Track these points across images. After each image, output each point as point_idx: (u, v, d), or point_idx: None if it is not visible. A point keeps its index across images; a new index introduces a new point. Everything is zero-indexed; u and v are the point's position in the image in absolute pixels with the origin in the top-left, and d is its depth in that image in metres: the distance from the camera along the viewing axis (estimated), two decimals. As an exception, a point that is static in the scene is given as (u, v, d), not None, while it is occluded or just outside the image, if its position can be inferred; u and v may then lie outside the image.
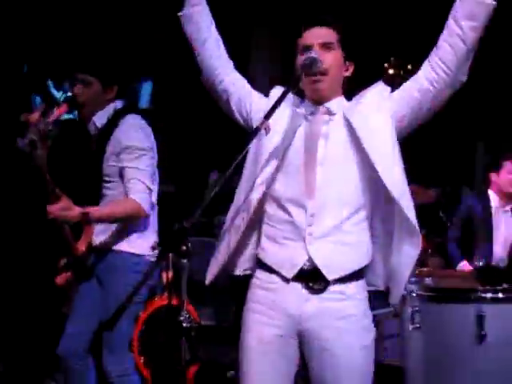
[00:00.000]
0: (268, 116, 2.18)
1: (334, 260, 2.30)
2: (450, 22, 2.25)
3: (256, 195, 2.33)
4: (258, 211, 2.38)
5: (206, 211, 2.09)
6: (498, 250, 4.60)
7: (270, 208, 2.37)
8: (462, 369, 3.15)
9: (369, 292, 2.40)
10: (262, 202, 2.37)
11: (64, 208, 2.94)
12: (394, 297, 2.40)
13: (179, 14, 2.46)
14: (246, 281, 2.46)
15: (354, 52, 2.44)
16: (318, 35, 2.36)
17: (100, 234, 3.22)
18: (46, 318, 4.44)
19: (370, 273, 2.40)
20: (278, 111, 2.22)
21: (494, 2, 2.21)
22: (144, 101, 7.72)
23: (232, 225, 2.39)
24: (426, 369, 3.26)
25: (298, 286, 2.31)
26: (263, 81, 6.37)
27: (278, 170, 2.34)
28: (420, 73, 2.33)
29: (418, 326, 3.25)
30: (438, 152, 7.32)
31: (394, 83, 2.44)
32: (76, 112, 3.30)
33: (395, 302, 2.42)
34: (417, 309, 3.25)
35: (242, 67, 2.52)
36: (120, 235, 3.20)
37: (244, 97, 2.47)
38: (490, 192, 4.71)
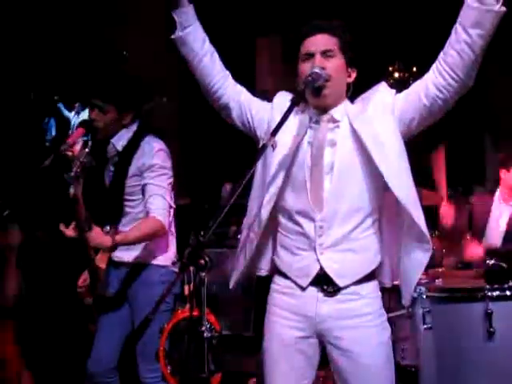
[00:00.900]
0: (274, 133, 2.22)
1: (344, 268, 2.34)
2: (458, 28, 2.20)
3: (267, 207, 2.37)
4: (271, 222, 2.43)
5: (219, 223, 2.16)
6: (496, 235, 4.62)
7: (283, 218, 2.42)
8: (474, 364, 3.23)
9: (382, 293, 2.45)
10: (274, 213, 2.40)
11: (98, 237, 3.07)
12: (404, 299, 2.44)
13: (172, 37, 2.47)
14: (264, 287, 2.55)
15: (358, 56, 2.41)
16: (318, 43, 2.35)
17: (124, 250, 3.29)
18: (74, 335, 4.55)
19: (377, 271, 2.44)
20: None
21: (504, 9, 2.15)
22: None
23: (247, 238, 2.45)
24: (439, 367, 3.31)
25: (313, 290, 2.37)
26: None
27: (285, 182, 2.36)
28: (427, 78, 2.30)
29: (429, 326, 3.31)
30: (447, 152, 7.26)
31: (399, 86, 2.44)
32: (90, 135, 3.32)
33: (406, 303, 2.47)
34: (428, 310, 3.32)
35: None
36: (144, 249, 3.30)
37: (245, 107, 2.50)
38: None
